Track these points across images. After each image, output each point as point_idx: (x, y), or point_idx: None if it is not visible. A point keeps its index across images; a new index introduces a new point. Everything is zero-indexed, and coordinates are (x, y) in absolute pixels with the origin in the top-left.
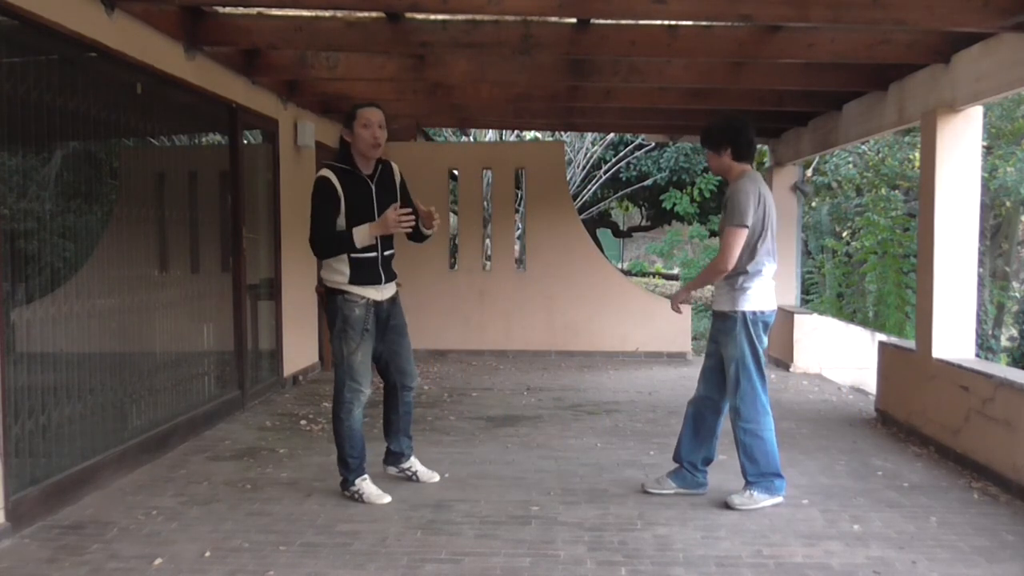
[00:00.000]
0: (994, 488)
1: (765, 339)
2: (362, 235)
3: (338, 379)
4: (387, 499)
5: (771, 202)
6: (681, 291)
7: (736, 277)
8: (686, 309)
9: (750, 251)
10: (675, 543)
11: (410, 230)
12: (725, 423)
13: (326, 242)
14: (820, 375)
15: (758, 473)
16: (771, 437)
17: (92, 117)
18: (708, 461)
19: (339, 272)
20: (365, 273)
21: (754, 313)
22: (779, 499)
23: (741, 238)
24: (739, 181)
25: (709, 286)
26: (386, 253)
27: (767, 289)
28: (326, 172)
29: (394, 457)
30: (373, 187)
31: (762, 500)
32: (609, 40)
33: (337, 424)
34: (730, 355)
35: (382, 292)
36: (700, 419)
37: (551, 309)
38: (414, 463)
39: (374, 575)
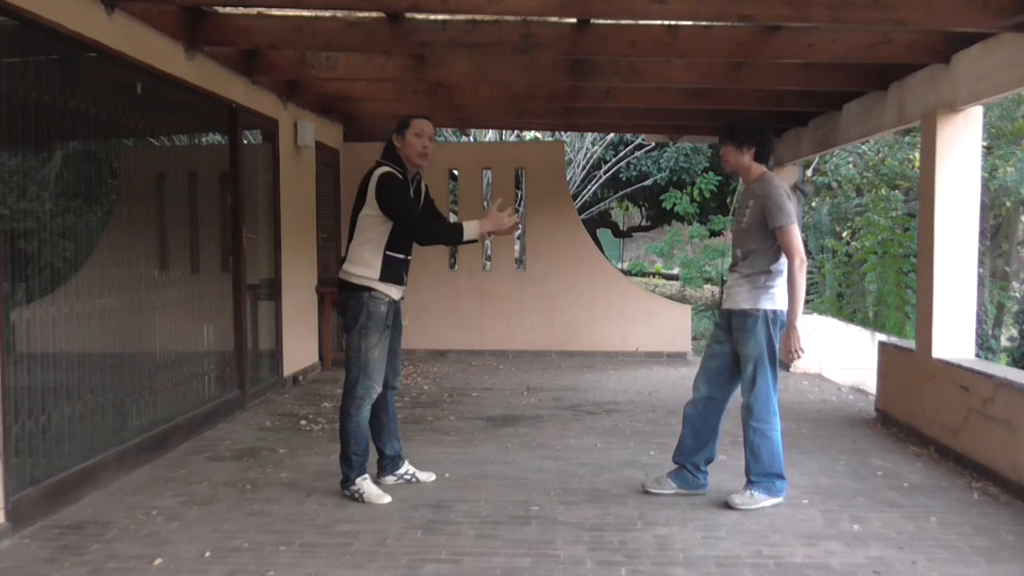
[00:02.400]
0: (994, 488)
1: (779, 337)
2: (472, 229)
3: (351, 375)
4: (387, 499)
5: None
6: (793, 331)
7: (759, 276)
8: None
9: (775, 251)
10: (675, 543)
11: (515, 231)
12: (726, 423)
13: (437, 230)
14: (820, 375)
15: (761, 473)
16: (778, 438)
17: (92, 117)
18: (709, 461)
19: (370, 267)
20: (394, 272)
21: (775, 312)
22: (779, 500)
23: (798, 233)
24: (771, 182)
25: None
26: (410, 257)
27: (784, 289)
28: (390, 168)
29: (392, 463)
30: (411, 193)
31: (762, 500)
32: (609, 40)
33: (345, 419)
34: (748, 353)
35: (400, 293)
36: (702, 420)
37: (551, 309)
38: (409, 466)
39: (374, 575)
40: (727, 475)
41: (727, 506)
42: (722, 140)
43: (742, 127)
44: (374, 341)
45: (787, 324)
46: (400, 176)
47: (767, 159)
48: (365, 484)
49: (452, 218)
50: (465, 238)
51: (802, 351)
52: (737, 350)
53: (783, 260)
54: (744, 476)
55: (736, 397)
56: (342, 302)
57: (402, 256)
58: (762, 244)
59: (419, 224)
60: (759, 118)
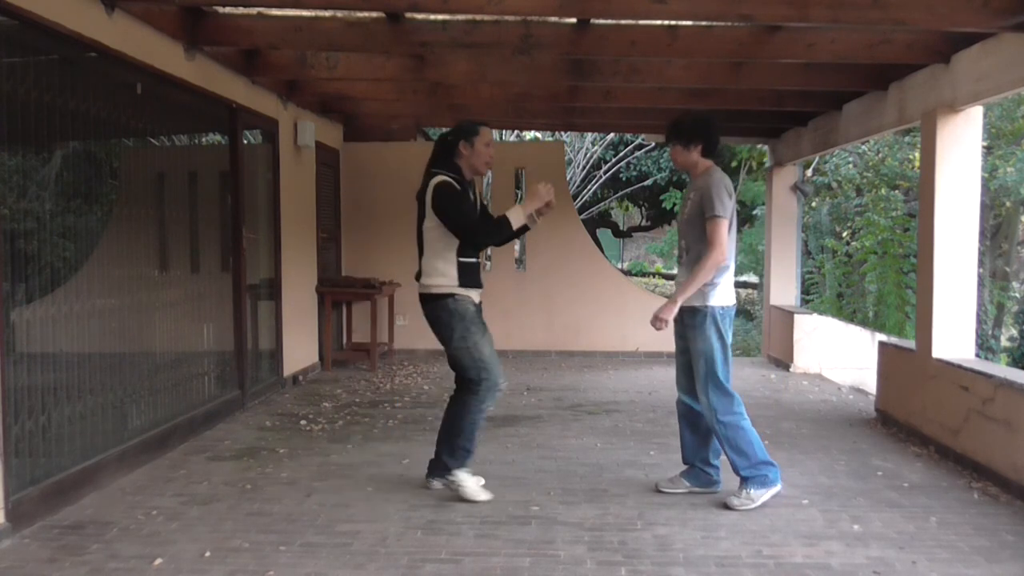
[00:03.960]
0: (994, 488)
1: (730, 333)
2: (516, 215)
3: (470, 375)
4: (486, 496)
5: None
6: (670, 304)
7: None
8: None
9: None
10: (675, 543)
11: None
12: None
13: (492, 229)
14: (820, 375)
15: (750, 465)
16: (750, 426)
17: (92, 117)
18: (718, 453)
19: (446, 275)
20: (470, 277)
21: (723, 308)
22: (777, 488)
23: (725, 229)
24: (712, 175)
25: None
26: (479, 259)
27: (731, 284)
28: (448, 177)
29: (446, 467)
30: (471, 197)
31: (760, 496)
32: (609, 40)
33: (464, 413)
34: (699, 349)
35: (479, 296)
36: (695, 414)
37: (551, 309)
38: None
39: (374, 575)
40: (726, 473)
41: (726, 507)
42: (668, 140)
43: (687, 125)
44: (478, 336)
45: (671, 299)
46: (457, 185)
47: (714, 153)
48: (467, 477)
49: None
50: (515, 227)
51: (664, 323)
52: (688, 346)
53: (729, 255)
54: (735, 474)
55: None
56: (430, 315)
57: (474, 259)
58: (704, 237)
59: (475, 231)
60: (703, 114)
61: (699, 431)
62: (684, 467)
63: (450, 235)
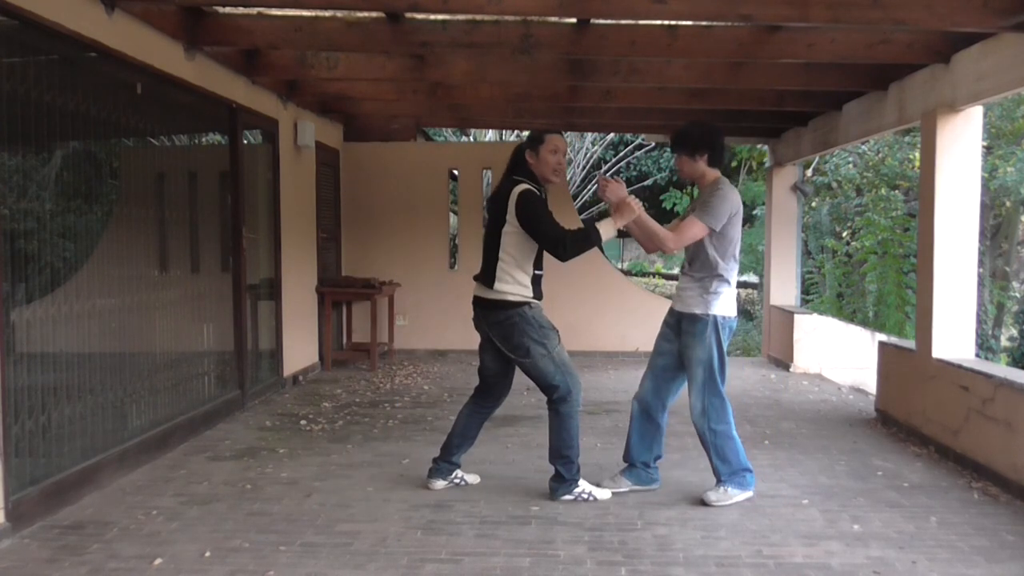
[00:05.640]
0: (994, 488)
1: (727, 344)
2: (607, 228)
3: (555, 382)
4: (609, 493)
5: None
6: (631, 199)
7: (711, 281)
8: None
9: (728, 257)
10: (675, 543)
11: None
12: (688, 425)
13: (578, 239)
14: (820, 375)
15: (731, 472)
16: (736, 435)
17: (92, 117)
18: (658, 458)
19: (523, 285)
20: (539, 290)
21: (724, 318)
22: (750, 493)
23: (701, 235)
24: (723, 187)
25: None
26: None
27: (734, 295)
28: (529, 185)
29: (449, 469)
30: None
31: (736, 495)
32: (609, 40)
33: (568, 423)
34: (696, 357)
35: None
36: (648, 418)
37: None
38: (458, 471)
39: (374, 575)
40: (708, 473)
41: (702, 503)
42: (675, 150)
43: (692, 135)
44: (556, 341)
45: (634, 201)
46: (538, 192)
47: (721, 162)
48: (589, 484)
49: (452, 219)
50: (604, 239)
51: (625, 198)
52: (683, 352)
53: (733, 267)
54: (715, 477)
55: (679, 396)
56: (502, 323)
57: (542, 272)
58: (705, 246)
59: (565, 242)
60: (708, 123)
61: (645, 436)
62: (624, 465)
63: (529, 243)
